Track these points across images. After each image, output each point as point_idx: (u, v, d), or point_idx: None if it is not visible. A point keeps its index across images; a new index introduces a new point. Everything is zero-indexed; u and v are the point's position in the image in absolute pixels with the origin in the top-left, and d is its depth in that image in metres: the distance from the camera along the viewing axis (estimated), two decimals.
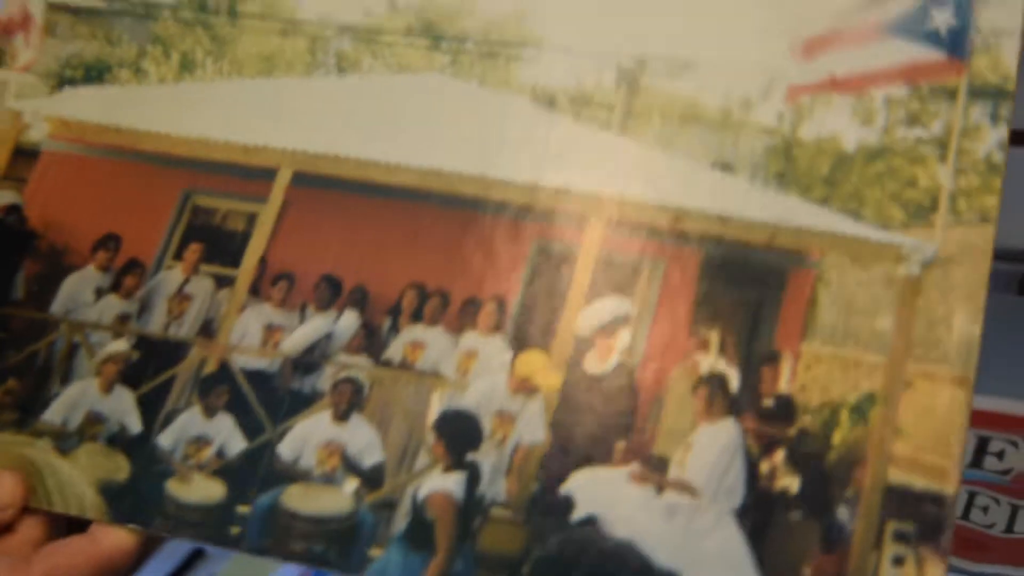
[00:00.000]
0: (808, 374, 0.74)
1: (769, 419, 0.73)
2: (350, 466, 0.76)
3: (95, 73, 0.91)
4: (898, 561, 0.69)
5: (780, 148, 0.79)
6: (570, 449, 0.74)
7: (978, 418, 1.29)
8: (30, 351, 0.82)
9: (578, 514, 0.72)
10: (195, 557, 1.36)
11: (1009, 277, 1.51)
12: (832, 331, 0.75)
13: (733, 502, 0.72)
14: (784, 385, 0.74)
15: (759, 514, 0.71)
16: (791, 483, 0.71)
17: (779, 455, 0.72)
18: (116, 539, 0.75)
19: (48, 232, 0.86)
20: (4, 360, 0.82)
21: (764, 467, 0.72)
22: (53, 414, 0.80)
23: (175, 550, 1.38)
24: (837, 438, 0.72)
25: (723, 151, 0.80)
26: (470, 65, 0.85)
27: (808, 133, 0.79)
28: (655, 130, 0.81)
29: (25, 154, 0.89)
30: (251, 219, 0.83)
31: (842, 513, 0.70)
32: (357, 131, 0.85)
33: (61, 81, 0.91)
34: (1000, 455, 1.38)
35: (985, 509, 1.33)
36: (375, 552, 0.73)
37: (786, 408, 0.73)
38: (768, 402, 0.74)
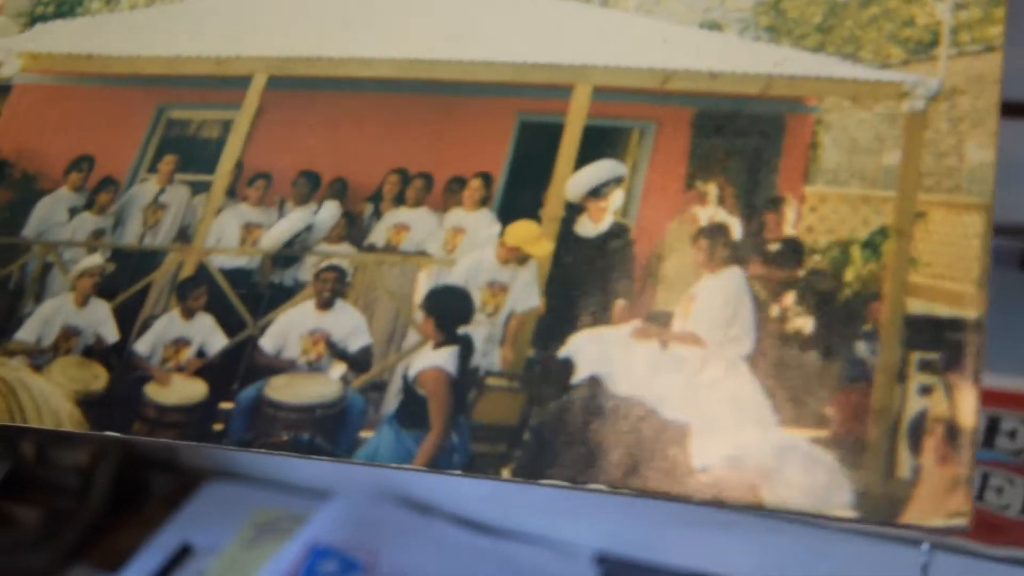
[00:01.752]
0: (814, 215, 0.69)
1: (776, 263, 0.69)
2: (336, 352, 0.72)
3: (66, 7, 0.88)
4: (925, 390, 0.63)
5: (770, 3, 0.76)
6: (567, 313, 0.69)
7: (988, 397, 1.24)
8: (2, 275, 0.79)
9: (578, 376, 0.68)
10: (182, 555, 1.32)
11: (1010, 253, 1.46)
12: (836, 172, 0.70)
13: (742, 349, 0.67)
14: (789, 228, 0.69)
15: (772, 357, 0.66)
16: (804, 324, 0.66)
17: (789, 297, 0.67)
18: None
19: (20, 160, 0.83)
20: None
21: (774, 311, 0.67)
22: (27, 332, 0.76)
23: (163, 545, 1.34)
24: (850, 274, 0.67)
25: (709, 12, 0.76)
26: None
27: None
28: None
29: None
30: (226, 126, 0.80)
31: (860, 348, 0.65)
32: (332, 31, 0.82)
33: (32, 19, 0.89)
34: (1012, 434, 1.32)
35: (1000, 490, 1.27)
36: (365, 435, 0.69)
37: (793, 250, 0.69)
38: (774, 246, 0.69)
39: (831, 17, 0.74)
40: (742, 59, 0.74)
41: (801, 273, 0.68)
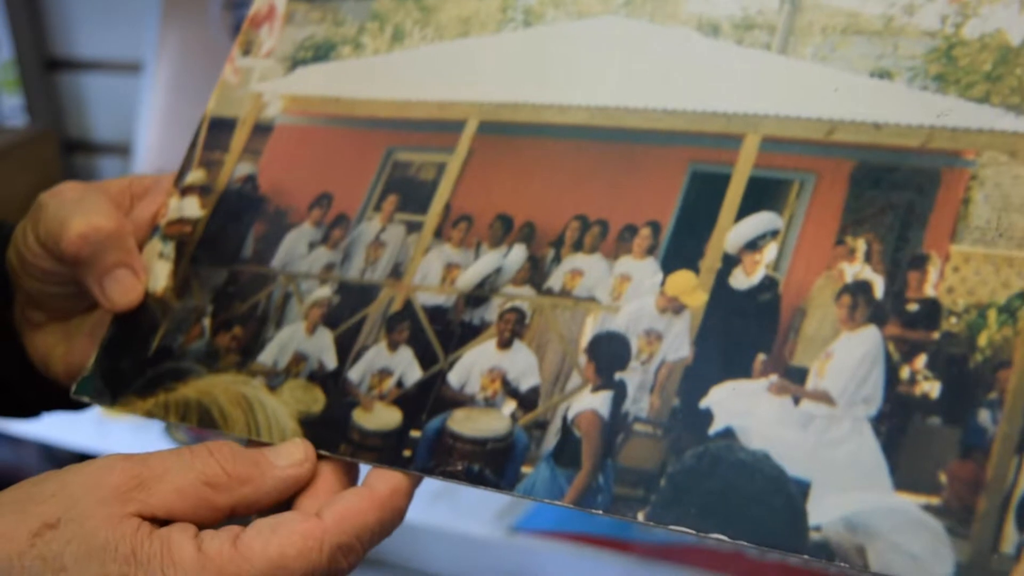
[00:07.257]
0: (956, 276, 0.70)
1: (912, 324, 0.70)
2: (509, 390, 0.79)
3: (322, 52, 0.99)
4: None
5: (942, 49, 0.76)
6: (712, 364, 0.73)
7: None
8: (253, 301, 0.90)
9: (715, 427, 0.72)
10: None
11: None
12: (984, 231, 0.70)
13: (869, 410, 0.69)
14: (930, 289, 0.70)
15: (896, 421, 0.68)
16: (931, 388, 0.68)
17: (920, 360, 0.69)
18: (391, 480, 0.77)
19: (275, 197, 0.94)
20: (232, 310, 0.91)
21: (904, 373, 0.69)
22: (267, 355, 0.88)
23: None
24: (983, 340, 0.67)
25: (882, 60, 0.77)
26: (642, 4, 0.87)
27: (972, 31, 0.75)
28: (814, 46, 0.79)
29: (263, 130, 0.98)
30: (441, 169, 0.88)
31: (983, 417, 0.66)
32: (536, 79, 0.88)
33: (295, 63, 1.00)
34: None
35: None
36: (526, 469, 0.76)
37: (930, 312, 0.69)
38: (912, 307, 0.70)
39: (1001, 65, 0.73)
40: (907, 110, 0.75)
41: (936, 336, 0.69)
